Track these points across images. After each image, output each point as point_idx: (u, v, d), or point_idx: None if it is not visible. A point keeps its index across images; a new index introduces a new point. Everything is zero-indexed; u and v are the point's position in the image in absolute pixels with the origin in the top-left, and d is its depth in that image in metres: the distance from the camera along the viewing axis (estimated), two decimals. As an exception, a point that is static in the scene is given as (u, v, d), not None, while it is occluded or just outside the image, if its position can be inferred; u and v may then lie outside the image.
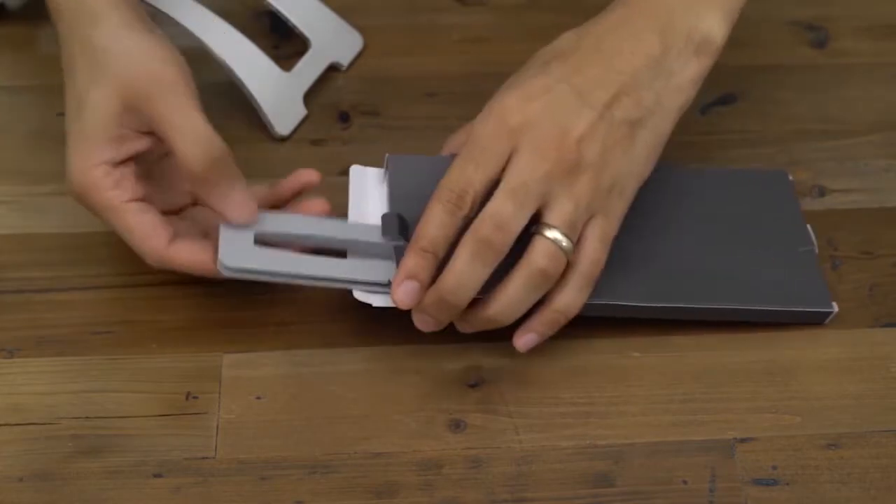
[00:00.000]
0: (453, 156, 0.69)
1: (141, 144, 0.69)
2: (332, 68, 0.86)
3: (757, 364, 0.71)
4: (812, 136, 0.83)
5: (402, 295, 0.66)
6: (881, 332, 0.73)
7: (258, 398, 0.70)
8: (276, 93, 0.82)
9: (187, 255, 0.69)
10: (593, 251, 0.67)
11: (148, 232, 0.68)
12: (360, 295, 0.69)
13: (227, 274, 0.68)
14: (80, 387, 0.70)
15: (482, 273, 0.65)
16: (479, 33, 0.89)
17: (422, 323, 0.68)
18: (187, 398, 0.69)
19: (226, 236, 0.68)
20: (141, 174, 0.69)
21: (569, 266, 0.67)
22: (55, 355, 0.71)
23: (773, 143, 0.82)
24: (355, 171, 0.74)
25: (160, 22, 0.81)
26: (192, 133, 0.67)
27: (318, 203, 0.72)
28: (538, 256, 0.66)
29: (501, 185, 0.66)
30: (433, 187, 0.67)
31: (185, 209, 0.73)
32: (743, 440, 0.68)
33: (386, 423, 0.69)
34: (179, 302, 0.74)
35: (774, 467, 0.67)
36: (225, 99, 0.83)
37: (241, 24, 0.83)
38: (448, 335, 0.72)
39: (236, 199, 0.68)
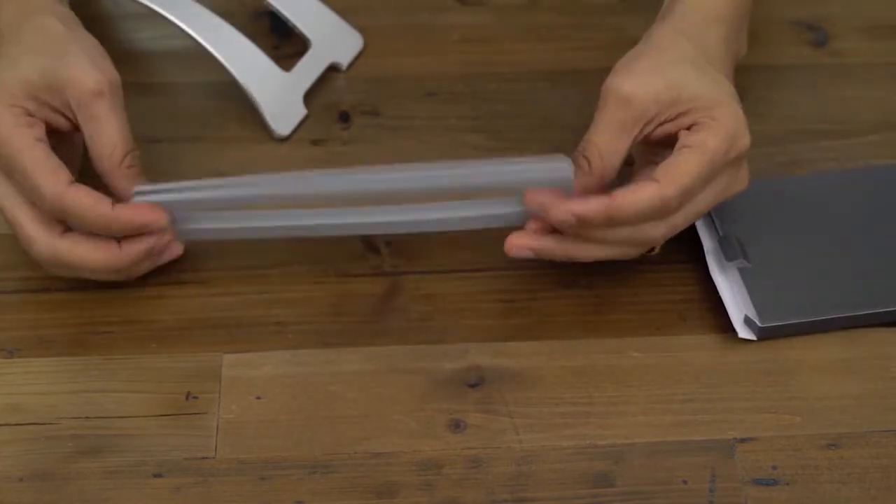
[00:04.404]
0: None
1: (52, 117, 0.71)
2: (332, 68, 0.86)
3: (757, 364, 0.71)
4: (812, 136, 0.83)
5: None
6: (881, 332, 0.73)
7: (258, 398, 0.70)
8: (276, 93, 0.82)
9: (85, 196, 0.69)
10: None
11: (53, 168, 0.69)
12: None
13: None
14: (80, 387, 0.70)
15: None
16: (479, 33, 0.89)
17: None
18: (187, 398, 0.69)
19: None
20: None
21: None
22: (55, 355, 0.71)
23: (773, 143, 0.82)
24: None
25: (159, 22, 0.81)
26: (122, 128, 0.71)
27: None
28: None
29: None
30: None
31: None
32: (743, 440, 0.68)
33: (386, 423, 0.69)
34: (179, 302, 0.74)
35: (774, 467, 0.67)
36: (225, 99, 0.83)
37: (241, 24, 0.83)
38: (448, 335, 0.72)
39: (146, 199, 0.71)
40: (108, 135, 0.71)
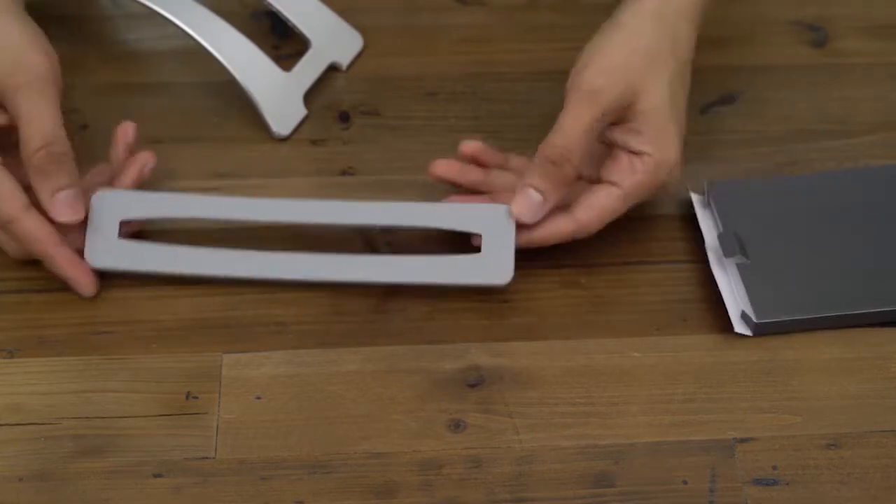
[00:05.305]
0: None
1: None
2: (332, 68, 0.86)
3: (757, 364, 0.71)
4: (812, 136, 0.83)
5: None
6: (881, 332, 0.73)
7: (258, 398, 0.70)
8: (276, 93, 0.83)
9: (35, 228, 0.70)
10: None
11: (5, 192, 0.69)
12: None
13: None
14: (80, 387, 0.70)
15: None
16: (479, 33, 0.89)
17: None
18: (187, 398, 0.69)
19: (92, 227, 0.71)
20: None
21: None
22: (55, 355, 0.71)
23: (773, 143, 0.82)
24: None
25: (159, 22, 0.81)
26: (40, 122, 0.70)
27: (145, 155, 0.75)
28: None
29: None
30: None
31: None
32: (743, 440, 0.68)
33: (386, 423, 0.69)
34: (179, 302, 0.74)
35: (774, 467, 0.67)
36: (225, 99, 0.83)
37: (241, 24, 0.83)
38: (448, 335, 0.72)
39: (64, 197, 0.70)
40: (23, 129, 0.70)
